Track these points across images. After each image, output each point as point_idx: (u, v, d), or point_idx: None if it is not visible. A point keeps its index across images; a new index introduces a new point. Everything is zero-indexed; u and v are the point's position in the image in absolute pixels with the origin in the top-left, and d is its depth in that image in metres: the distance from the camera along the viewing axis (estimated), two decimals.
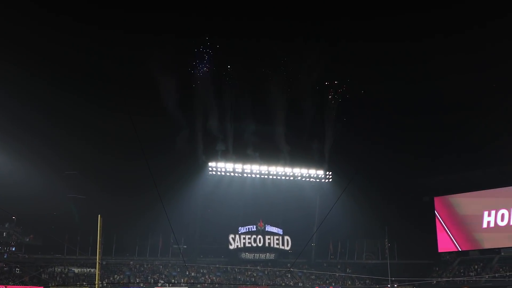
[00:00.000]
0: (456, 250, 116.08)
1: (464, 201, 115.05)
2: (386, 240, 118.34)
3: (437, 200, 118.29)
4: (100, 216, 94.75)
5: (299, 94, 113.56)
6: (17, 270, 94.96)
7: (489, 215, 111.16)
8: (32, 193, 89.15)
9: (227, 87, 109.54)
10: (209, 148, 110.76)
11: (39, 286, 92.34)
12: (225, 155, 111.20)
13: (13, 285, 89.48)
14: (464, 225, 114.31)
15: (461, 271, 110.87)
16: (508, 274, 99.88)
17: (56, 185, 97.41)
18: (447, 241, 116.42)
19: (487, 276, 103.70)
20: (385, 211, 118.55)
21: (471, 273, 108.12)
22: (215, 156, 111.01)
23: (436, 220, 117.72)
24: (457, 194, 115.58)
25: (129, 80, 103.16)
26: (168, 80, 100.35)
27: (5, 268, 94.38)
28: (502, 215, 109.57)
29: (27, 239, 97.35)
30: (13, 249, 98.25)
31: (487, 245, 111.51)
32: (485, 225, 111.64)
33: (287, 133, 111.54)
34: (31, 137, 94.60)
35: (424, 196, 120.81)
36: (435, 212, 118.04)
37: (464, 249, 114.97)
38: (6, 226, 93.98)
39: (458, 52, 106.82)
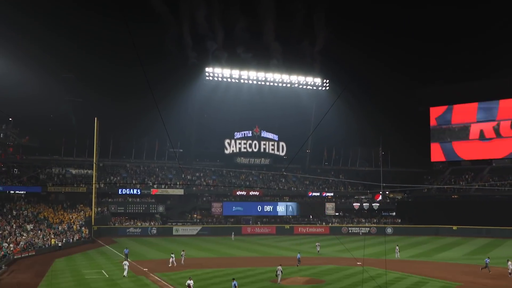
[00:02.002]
0: (448, 160, 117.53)
1: (459, 112, 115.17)
2: (380, 148, 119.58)
3: (433, 111, 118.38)
4: (97, 119, 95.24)
5: None
6: (15, 171, 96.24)
7: (484, 126, 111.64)
8: (28, 95, 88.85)
9: None
10: (201, 48, 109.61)
11: (37, 186, 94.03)
12: (219, 58, 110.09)
13: (11, 185, 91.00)
14: (458, 136, 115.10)
15: (452, 180, 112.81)
16: (497, 183, 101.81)
17: (52, 87, 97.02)
18: (440, 151, 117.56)
19: (477, 185, 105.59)
20: (381, 120, 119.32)
21: (461, 183, 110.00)
22: (209, 58, 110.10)
23: (431, 130, 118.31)
24: (452, 105, 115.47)
25: None
26: None
27: (3, 169, 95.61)
28: (498, 127, 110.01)
29: (24, 141, 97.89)
30: (11, 150, 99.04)
31: (480, 155, 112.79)
32: (479, 135, 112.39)
33: (279, 34, 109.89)
34: (25, 40, 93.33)
35: (419, 106, 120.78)
36: (430, 122, 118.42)
37: (457, 159, 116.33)
38: (3, 127, 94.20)
39: None
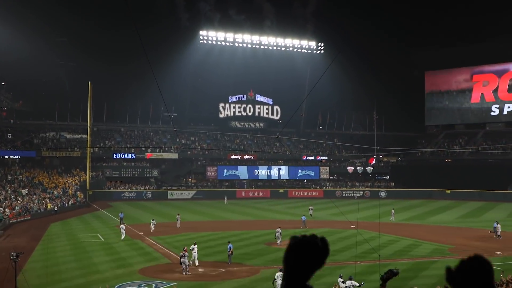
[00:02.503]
0: (443, 124, 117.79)
1: (454, 76, 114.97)
2: (375, 112, 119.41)
3: (428, 75, 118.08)
4: (90, 83, 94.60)
5: None
6: (9, 135, 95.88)
7: (479, 90, 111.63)
8: (20, 59, 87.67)
9: None
10: (193, 10, 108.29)
11: (32, 150, 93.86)
12: (212, 20, 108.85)
13: (5, 149, 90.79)
14: (453, 99, 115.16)
15: (446, 144, 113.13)
16: (491, 147, 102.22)
17: (45, 52, 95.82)
18: (434, 115, 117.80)
19: (470, 149, 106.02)
20: (375, 85, 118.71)
21: (455, 146, 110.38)
22: (202, 21, 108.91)
23: (426, 94, 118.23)
24: (447, 69, 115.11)
25: None
26: None
27: None
28: (493, 90, 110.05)
29: (17, 105, 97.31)
30: (4, 114, 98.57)
31: (474, 119, 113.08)
32: (473, 99, 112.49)
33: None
34: (16, 3, 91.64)
35: (414, 70, 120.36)
36: (425, 86, 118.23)
37: (451, 123, 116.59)
38: None
39: None
